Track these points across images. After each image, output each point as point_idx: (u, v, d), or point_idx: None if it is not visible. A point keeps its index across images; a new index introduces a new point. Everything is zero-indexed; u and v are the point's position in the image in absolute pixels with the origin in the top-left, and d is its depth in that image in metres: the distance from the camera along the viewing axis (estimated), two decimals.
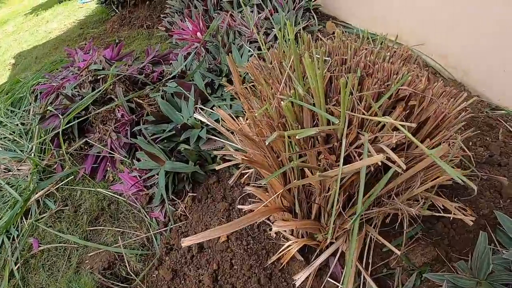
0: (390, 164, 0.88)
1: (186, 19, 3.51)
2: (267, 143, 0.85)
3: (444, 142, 1.18)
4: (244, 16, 3.30)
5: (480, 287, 1.25)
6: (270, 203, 1.59)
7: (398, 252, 1.24)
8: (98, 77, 2.92)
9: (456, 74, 2.56)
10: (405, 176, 1.13)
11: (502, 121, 2.16)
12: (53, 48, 5.19)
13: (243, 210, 2.01)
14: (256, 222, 1.96)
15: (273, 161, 1.24)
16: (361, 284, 1.55)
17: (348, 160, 0.91)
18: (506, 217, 1.46)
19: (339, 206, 1.16)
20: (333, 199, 1.20)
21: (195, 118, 2.18)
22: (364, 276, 1.53)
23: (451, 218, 1.33)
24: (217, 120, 1.97)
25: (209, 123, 1.81)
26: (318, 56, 1.02)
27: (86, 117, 2.72)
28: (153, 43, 4.32)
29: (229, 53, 2.81)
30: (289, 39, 1.38)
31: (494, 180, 1.79)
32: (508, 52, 2.09)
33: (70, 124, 2.66)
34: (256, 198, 2.02)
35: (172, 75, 2.85)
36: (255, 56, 1.50)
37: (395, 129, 1.05)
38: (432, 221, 1.68)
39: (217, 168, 1.85)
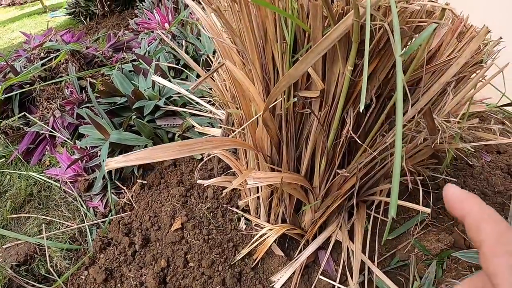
0: None
1: (154, 11, 3.30)
2: None
3: None
4: None
5: None
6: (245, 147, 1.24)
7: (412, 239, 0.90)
8: (51, 56, 2.57)
9: None
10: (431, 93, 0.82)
11: None
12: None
13: (205, 186, 1.63)
14: (219, 207, 1.59)
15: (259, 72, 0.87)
16: (366, 280, 1.19)
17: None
18: None
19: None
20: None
21: (152, 88, 1.84)
22: (369, 270, 1.19)
23: None
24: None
25: (168, 86, 1.47)
26: None
27: (28, 90, 2.32)
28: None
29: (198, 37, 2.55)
30: None
31: (499, 162, 1.56)
32: None
33: (9, 94, 2.25)
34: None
35: (133, 59, 2.53)
36: None
37: None
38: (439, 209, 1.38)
39: None
